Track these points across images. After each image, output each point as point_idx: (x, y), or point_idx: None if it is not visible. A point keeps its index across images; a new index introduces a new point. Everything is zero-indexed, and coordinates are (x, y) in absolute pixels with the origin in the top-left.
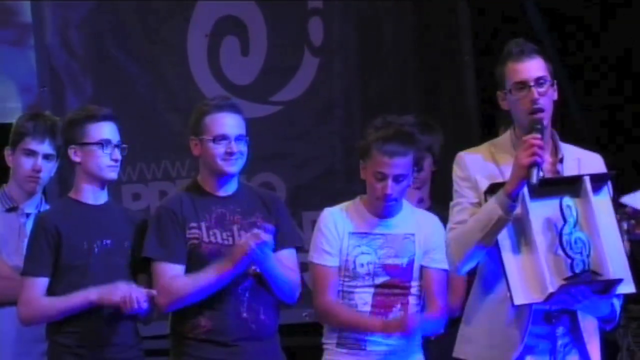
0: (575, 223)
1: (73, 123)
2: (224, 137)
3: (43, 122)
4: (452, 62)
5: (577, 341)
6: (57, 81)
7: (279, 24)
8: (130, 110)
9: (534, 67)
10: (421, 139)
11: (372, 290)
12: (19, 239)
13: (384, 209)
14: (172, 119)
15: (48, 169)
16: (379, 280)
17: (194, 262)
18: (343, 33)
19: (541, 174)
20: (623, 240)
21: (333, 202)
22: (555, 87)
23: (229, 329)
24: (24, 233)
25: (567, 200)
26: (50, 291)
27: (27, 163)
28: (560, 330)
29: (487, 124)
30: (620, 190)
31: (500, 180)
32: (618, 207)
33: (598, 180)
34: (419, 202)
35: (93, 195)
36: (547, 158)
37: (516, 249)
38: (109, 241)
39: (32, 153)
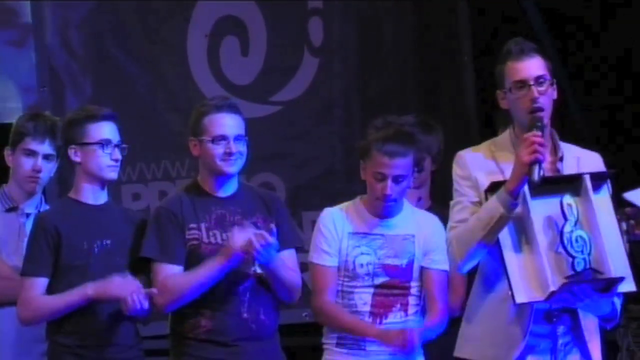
0: (576, 221)
1: (73, 123)
2: (223, 138)
3: (43, 122)
4: (452, 62)
5: (578, 340)
6: (57, 81)
7: (278, 24)
8: (130, 110)
9: (533, 66)
10: (422, 140)
11: (371, 290)
12: (19, 239)
13: (384, 210)
14: (172, 119)
15: (48, 169)
16: (379, 280)
17: (194, 262)
18: (343, 33)
19: (542, 172)
20: (623, 241)
21: (333, 202)
22: (554, 86)
23: (229, 329)
24: (23, 233)
25: (568, 199)
26: (50, 291)
27: (27, 163)
28: (561, 329)
29: (487, 124)
30: (620, 190)
31: (500, 178)
32: (619, 205)
33: (598, 179)
34: (418, 201)
35: (93, 195)
36: (547, 157)
37: (517, 247)
38: (108, 241)
39: (32, 153)
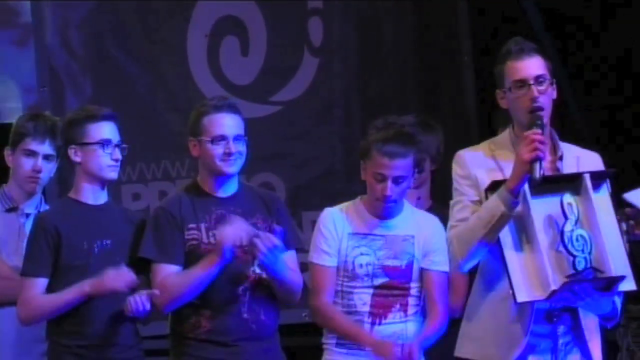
0: (577, 220)
1: (73, 123)
2: (222, 138)
3: (43, 123)
4: (452, 62)
5: (579, 339)
6: (57, 81)
7: (278, 24)
8: (130, 110)
9: (533, 66)
10: (422, 141)
11: (370, 291)
12: (19, 239)
13: (384, 210)
14: (172, 119)
15: (48, 169)
16: (378, 281)
17: (194, 263)
18: (343, 33)
19: (542, 170)
20: (623, 240)
21: (333, 202)
22: (554, 86)
23: (229, 329)
24: (23, 233)
25: (568, 198)
26: (50, 291)
27: (27, 163)
28: (561, 329)
29: (487, 123)
30: (620, 190)
31: (500, 177)
32: (618, 205)
33: (597, 178)
34: (418, 200)
35: (93, 195)
36: (547, 156)
37: (518, 246)
38: (108, 241)
39: (32, 153)
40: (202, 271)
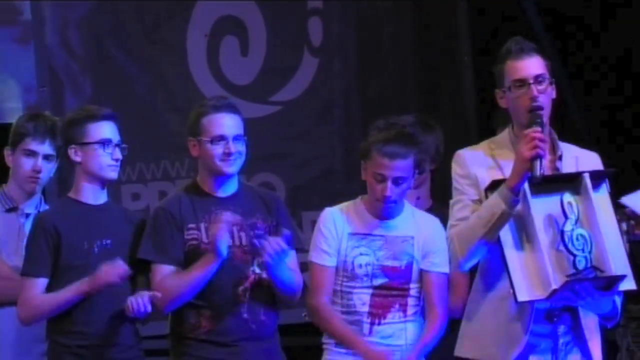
0: (577, 220)
1: (73, 123)
2: (221, 138)
3: (43, 123)
4: (452, 62)
5: (579, 339)
6: (57, 81)
7: (278, 24)
8: (130, 110)
9: (533, 65)
10: (423, 142)
11: (370, 291)
12: (19, 239)
13: (384, 211)
14: (171, 119)
15: (48, 169)
16: (377, 281)
17: (194, 263)
18: (342, 33)
19: (542, 169)
20: (623, 240)
21: (332, 202)
22: (553, 85)
23: (229, 329)
24: (23, 233)
25: (568, 197)
26: (50, 291)
27: (27, 164)
28: (561, 328)
29: (486, 123)
30: (620, 190)
31: (500, 176)
32: (617, 207)
33: (597, 178)
34: (417, 200)
35: (93, 195)
36: (547, 155)
37: (519, 245)
38: (109, 241)
39: (32, 154)
40: (200, 271)
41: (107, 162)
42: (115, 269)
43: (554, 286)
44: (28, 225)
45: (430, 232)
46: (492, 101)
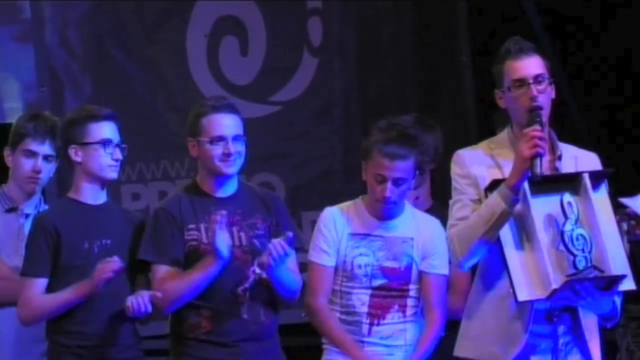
0: (577, 220)
1: (73, 123)
2: (221, 139)
3: (43, 123)
4: (452, 62)
5: (579, 340)
6: (56, 81)
7: (278, 24)
8: (130, 110)
9: (532, 65)
10: (424, 143)
11: (369, 291)
12: (18, 240)
13: (383, 211)
14: (171, 119)
15: (48, 170)
16: (376, 282)
17: (194, 263)
18: (342, 33)
19: (541, 169)
20: (622, 240)
21: (332, 202)
22: (553, 85)
23: (229, 330)
24: (23, 233)
25: (568, 197)
26: (50, 291)
27: (27, 164)
28: (561, 329)
29: (486, 123)
30: (620, 190)
31: (499, 176)
32: (617, 207)
33: (596, 178)
34: (416, 200)
35: (92, 195)
36: (546, 155)
37: (519, 245)
38: (108, 241)
39: (32, 154)
40: (201, 273)
41: (108, 162)
42: (109, 265)
43: (554, 286)
44: (28, 226)
45: (430, 234)
46: (492, 101)
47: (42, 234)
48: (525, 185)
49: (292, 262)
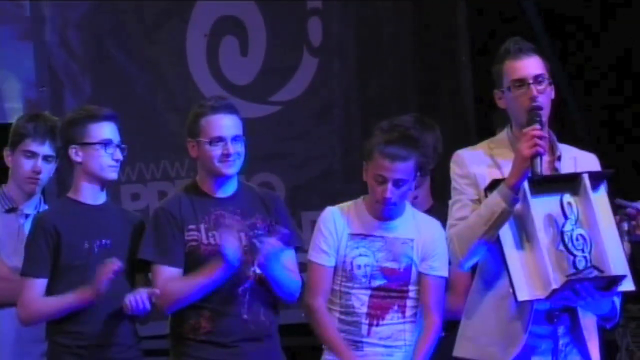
0: (576, 220)
1: (74, 123)
2: (220, 139)
3: (43, 124)
4: (451, 62)
5: (578, 340)
6: (56, 81)
7: (278, 24)
8: (130, 110)
9: (532, 65)
10: (425, 145)
11: (368, 292)
12: (18, 240)
13: (384, 212)
14: (171, 119)
15: (48, 170)
16: (376, 283)
17: (194, 263)
18: (342, 33)
19: (542, 168)
20: (623, 241)
21: (332, 202)
22: (552, 85)
23: (229, 330)
24: (23, 234)
25: (567, 197)
26: (50, 291)
27: (27, 164)
28: (561, 329)
29: (485, 123)
30: (619, 190)
31: (499, 175)
32: (617, 207)
33: (596, 178)
34: (415, 200)
35: (92, 195)
36: (546, 155)
37: (519, 245)
38: (108, 241)
39: (32, 154)
40: (206, 277)
41: (108, 162)
42: (108, 267)
43: (554, 286)
44: (27, 226)
45: (430, 235)
46: (491, 101)
47: (42, 234)
48: (525, 185)
49: (290, 261)
